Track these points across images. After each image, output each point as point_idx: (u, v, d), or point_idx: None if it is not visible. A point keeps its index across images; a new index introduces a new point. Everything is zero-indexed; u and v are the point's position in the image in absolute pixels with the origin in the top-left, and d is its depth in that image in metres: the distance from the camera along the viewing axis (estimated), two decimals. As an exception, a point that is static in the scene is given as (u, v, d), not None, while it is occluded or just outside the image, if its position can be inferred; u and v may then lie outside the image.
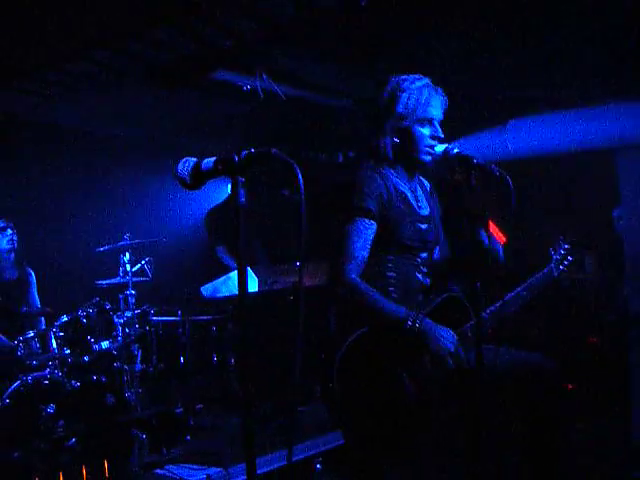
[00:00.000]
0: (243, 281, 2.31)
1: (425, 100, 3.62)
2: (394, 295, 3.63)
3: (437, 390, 3.53)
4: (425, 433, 3.52)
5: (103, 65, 6.02)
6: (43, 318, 6.83)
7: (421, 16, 5.64)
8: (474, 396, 3.40)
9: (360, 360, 3.45)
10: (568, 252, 4.13)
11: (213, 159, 2.38)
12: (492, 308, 3.75)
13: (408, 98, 3.61)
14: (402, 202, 3.66)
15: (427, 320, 3.48)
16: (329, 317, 3.69)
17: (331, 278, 3.57)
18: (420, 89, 3.63)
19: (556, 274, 4.04)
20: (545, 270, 4.04)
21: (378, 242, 3.59)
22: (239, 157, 2.31)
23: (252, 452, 2.34)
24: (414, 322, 3.45)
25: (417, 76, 3.68)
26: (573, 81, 6.70)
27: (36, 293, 7.12)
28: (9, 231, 6.84)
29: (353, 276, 3.49)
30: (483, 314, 3.67)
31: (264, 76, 6.51)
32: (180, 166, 2.45)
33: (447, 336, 3.50)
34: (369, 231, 3.56)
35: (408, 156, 3.71)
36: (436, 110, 3.67)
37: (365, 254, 3.55)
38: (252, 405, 2.41)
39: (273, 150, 2.29)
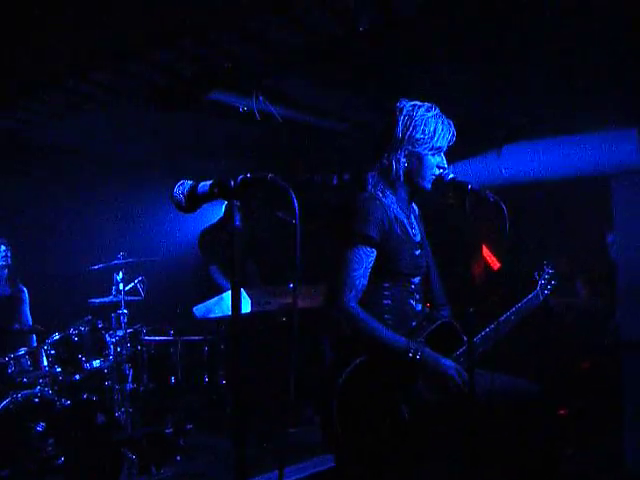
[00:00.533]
0: (237, 302, 2.31)
1: (441, 130, 3.64)
2: (389, 322, 3.62)
3: (434, 416, 3.53)
4: (423, 460, 3.53)
5: (102, 85, 6.03)
6: (34, 336, 6.82)
7: (417, 43, 5.68)
8: (469, 421, 3.41)
9: (358, 389, 3.43)
10: (552, 277, 4.22)
11: (209, 183, 2.39)
12: (483, 333, 3.78)
13: (426, 125, 3.62)
14: (400, 230, 3.65)
15: (427, 350, 3.50)
16: (322, 340, 3.70)
17: (328, 303, 3.55)
18: (436, 118, 3.65)
19: (541, 298, 4.13)
20: (531, 295, 4.12)
21: (375, 270, 3.58)
22: (235, 182, 2.32)
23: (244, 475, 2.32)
24: (415, 353, 3.46)
25: (430, 105, 3.69)
26: (567, 107, 6.74)
27: (28, 310, 7.12)
28: (2, 247, 6.85)
29: (353, 305, 3.48)
30: (475, 339, 3.68)
31: (260, 98, 6.53)
32: (176, 189, 2.45)
33: (448, 364, 3.52)
34: (370, 259, 3.54)
35: (413, 182, 3.71)
36: (446, 141, 3.69)
37: (364, 282, 3.53)
38: (245, 427, 2.40)
39: (269, 175, 2.30)
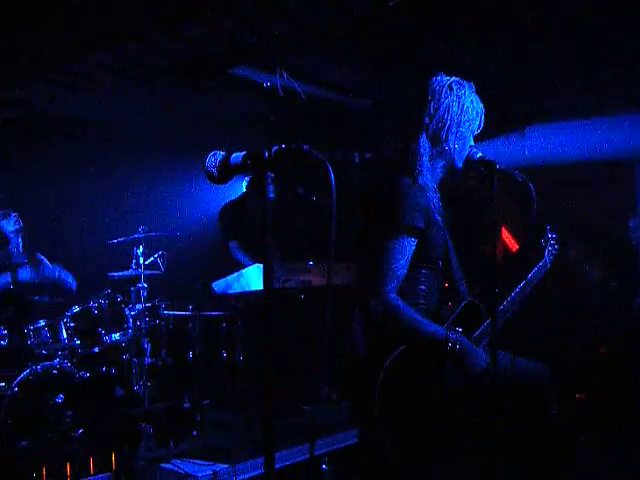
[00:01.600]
0: (268, 278, 2.28)
1: (474, 108, 3.59)
2: (423, 307, 3.59)
3: (459, 400, 3.52)
4: (462, 445, 3.54)
5: (128, 58, 6.01)
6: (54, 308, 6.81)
7: (443, 22, 5.63)
8: (491, 404, 3.40)
9: (400, 378, 3.39)
10: (555, 240, 4.20)
11: (242, 154, 2.35)
12: (500, 307, 3.76)
13: (473, 104, 3.58)
14: (438, 216, 3.60)
15: (465, 341, 3.49)
16: (349, 319, 3.66)
17: (366, 292, 3.47)
18: (469, 97, 3.57)
19: (548, 265, 4.09)
20: (540, 263, 4.08)
21: (414, 257, 3.51)
22: (269, 153, 2.28)
23: (272, 447, 2.30)
24: (454, 345, 3.43)
25: (468, 82, 3.62)
26: (594, 90, 6.69)
27: (56, 267, 7.09)
28: (12, 215, 6.85)
29: (393, 296, 3.41)
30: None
31: (284, 74, 6.50)
32: (208, 160, 2.41)
33: (480, 354, 3.51)
34: (412, 249, 3.46)
35: (451, 162, 3.66)
36: (479, 121, 3.65)
37: (405, 272, 3.45)
38: (271, 401, 2.37)
39: (305, 146, 2.27)
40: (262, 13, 5.17)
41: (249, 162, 2.31)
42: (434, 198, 3.61)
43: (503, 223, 7.54)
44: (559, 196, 7.29)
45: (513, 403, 3.64)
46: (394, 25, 5.62)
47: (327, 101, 7.38)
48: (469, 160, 3.61)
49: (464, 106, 3.54)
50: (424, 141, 3.58)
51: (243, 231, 7.71)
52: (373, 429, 3.51)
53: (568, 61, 6.37)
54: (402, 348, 3.41)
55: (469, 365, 3.48)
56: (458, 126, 3.56)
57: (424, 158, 3.58)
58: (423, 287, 3.61)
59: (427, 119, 3.56)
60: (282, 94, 6.66)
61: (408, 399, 3.41)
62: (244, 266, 7.25)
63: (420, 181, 3.53)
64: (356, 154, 8.05)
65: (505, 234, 7.80)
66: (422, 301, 3.59)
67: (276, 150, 2.29)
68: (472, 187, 6.15)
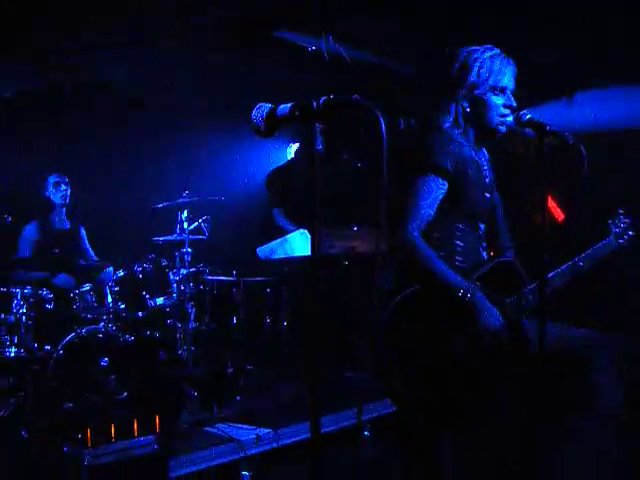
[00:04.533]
0: (317, 237, 2.23)
1: (497, 69, 3.57)
2: (460, 264, 3.58)
3: (488, 357, 3.48)
4: (476, 400, 3.47)
5: (168, 21, 5.99)
6: (112, 269, 6.82)
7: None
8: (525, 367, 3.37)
9: (408, 318, 3.40)
10: (628, 226, 4.02)
11: (289, 105, 2.31)
12: (548, 275, 3.66)
13: (480, 67, 3.56)
14: (473, 170, 3.62)
15: (479, 294, 3.44)
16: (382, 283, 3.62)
17: (391, 231, 3.50)
18: (492, 58, 3.57)
19: (615, 246, 3.94)
20: (605, 241, 3.93)
21: (448, 208, 3.54)
22: (317, 103, 2.23)
23: (317, 413, 2.26)
24: (465, 293, 3.40)
25: (488, 46, 3.62)
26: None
27: (89, 247, 7.17)
28: (63, 186, 6.92)
29: (416, 234, 3.44)
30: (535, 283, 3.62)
31: (330, 38, 6.43)
32: (255, 112, 2.37)
33: (494, 314, 3.46)
34: (440, 191, 3.50)
35: (481, 125, 3.66)
36: (509, 80, 3.61)
37: (431, 213, 3.49)
38: (315, 366, 2.34)
39: (354, 96, 2.22)
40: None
41: (297, 113, 2.26)
42: (470, 153, 3.65)
43: (550, 191, 7.40)
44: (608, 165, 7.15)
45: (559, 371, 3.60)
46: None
47: (372, 66, 7.30)
48: (518, 121, 3.55)
49: (471, 69, 3.56)
50: (447, 107, 3.65)
51: (288, 198, 7.68)
52: (383, 376, 3.48)
53: (616, 27, 6.24)
54: (412, 289, 3.41)
55: (479, 321, 3.43)
56: (470, 90, 3.58)
57: (458, 117, 3.65)
58: (460, 243, 3.60)
59: (444, 87, 3.64)
60: (327, 58, 6.59)
61: (411, 341, 3.39)
62: (288, 232, 7.23)
63: (451, 132, 3.62)
64: (400, 119, 7.97)
65: (551, 204, 7.67)
66: (459, 258, 3.58)
67: (325, 100, 2.24)
68: (520, 153, 6.05)
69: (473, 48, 3.61)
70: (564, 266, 3.76)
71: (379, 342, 3.38)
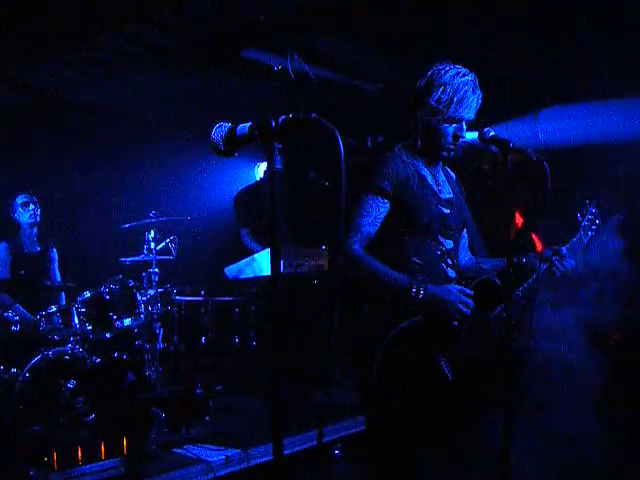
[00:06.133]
0: (276, 256, 2.22)
1: (459, 99, 3.49)
2: None
3: (475, 375, 3.50)
4: (462, 424, 3.51)
5: (137, 41, 5.98)
6: (64, 294, 6.81)
7: (458, 4, 5.58)
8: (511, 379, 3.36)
9: (401, 352, 3.38)
10: (595, 216, 4.02)
11: (248, 124, 2.30)
12: (525, 285, 3.68)
13: (442, 92, 3.49)
14: (421, 183, 3.60)
15: (430, 286, 3.42)
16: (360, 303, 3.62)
17: (334, 253, 3.55)
18: (458, 86, 3.49)
19: (585, 241, 3.90)
20: (574, 239, 3.90)
21: (399, 225, 3.55)
22: (276, 122, 2.23)
23: (279, 433, 2.24)
24: (418, 290, 3.38)
25: (460, 70, 3.54)
26: (608, 71, 6.61)
27: (57, 270, 7.11)
28: (31, 206, 6.83)
29: (356, 247, 3.46)
30: (518, 291, 3.63)
31: (295, 56, 6.45)
32: (214, 132, 2.36)
33: (450, 295, 3.43)
34: (381, 209, 3.52)
35: (429, 147, 3.65)
36: (468, 111, 3.55)
37: (372, 230, 3.51)
38: (279, 386, 2.32)
39: (312, 115, 2.21)
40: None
41: (256, 132, 2.26)
42: (420, 169, 3.66)
43: (516, 205, 7.45)
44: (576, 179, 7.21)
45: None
46: (409, 7, 5.57)
47: (338, 85, 7.32)
48: (482, 138, 3.54)
49: (463, 95, 3.50)
50: (414, 124, 3.63)
51: (256, 218, 7.67)
52: (375, 408, 3.51)
53: (582, 43, 6.30)
54: (404, 324, 3.40)
55: (442, 312, 3.42)
56: (434, 114, 3.53)
57: (417, 136, 3.64)
58: (416, 259, 3.57)
59: (428, 103, 3.54)
60: (293, 77, 6.61)
61: (409, 375, 3.39)
62: (255, 252, 7.22)
63: (402, 152, 3.64)
64: (368, 138, 7.99)
65: (518, 218, 7.72)
66: (420, 275, 3.52)
67: (283, 119, 2.23)
68: (486, 170, 6.08)
69: (445, 68, 3.54)
70: (539, 271, 3.76)
71: (375, 373, 3.37)
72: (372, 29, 6.16)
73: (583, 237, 3.92)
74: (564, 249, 3.76)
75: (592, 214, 3.99)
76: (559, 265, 3.71)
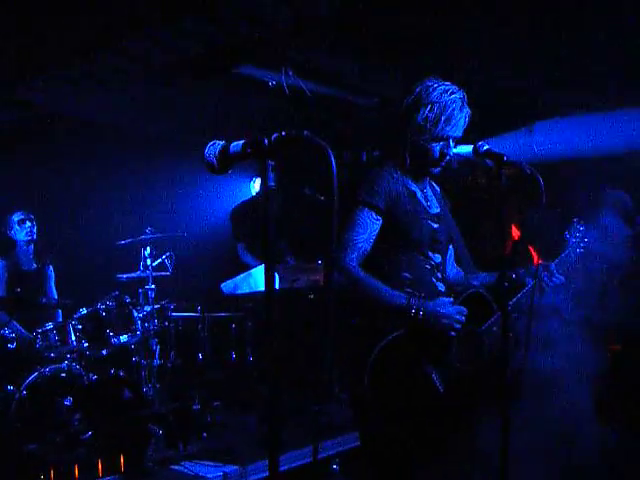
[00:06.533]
0: (270, 274, 2.22)
1: (446, 118, 3.49)
2: None
3: (466, 387, 3.49)
4: (456, 434, 3.50)
5: (131, 56, 5.99)
6: (60, 311, 6.81)
7: (452, 15, 5.59)
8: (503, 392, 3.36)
9: (391, 364, 3.39)
10: (584, 234, 4.03)
11: (242, 142, 2.31)
12: (515, 299, 3.71)
13: (430, 111, 3.49)
14: (411, 200, 3.61)
15: (427, 303, 3.43)
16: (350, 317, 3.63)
17: (328, 268, 3.54)
18: (445, 104, 3.49)
19: (574, 257, 3.93)
20: (563, 255, 3.94)
21: (389, 241, 3.56)
22: (269, 140, 2.24)
23: (276, 450, 2.24)
24: (417, 311, 3.39)
25: (448, 87, 3.53)
26: (604, 84, 6.62)
27: (54, 287, 7.10)
28: (28, 223, 6.82)
29: (354, 264, 3.46)
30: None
31: (290, 72, 6.47)
32: (207, 150, 2.37)
33: (445, 310, 3.44)
34: (375, 226, 3.53)
35: (416, 164, 3.65)
36: (455, 130, 3.55)
37: (367, 247, 3.51)
38: (277, 402, 2.32)
39: (305, 133, 2.22)
40: (263, 6, 5.15)
41: (249, 150, 2.27)
42: (409, 185, 3.66)
43: (510, 216, 7.46)
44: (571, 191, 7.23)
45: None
46: (404, 22, 5.58)
47: (334, 99, 7.34)
48: (476, 152, 3.54)
49: (450, 113, 3.50)
50: (410, 138, 3.59)
51: (252, 233, 7.68)
52: (366, 421, 3.51)
53: (576, 57, 6.32)
54: (392, 335, 3.40)
55: (438, 327, 3.42)
56: (421, 133, 3.54)
57: (406, 153, 3.63)
58: (406, 274, 3.58)
59: (415, 121, 3.53)
60: (288, 93, 6.62)
61: (399, 388, 3.40)
62: (251, 267, 7.23)
63: (393, 169, 3.63)
64: (363, 152, 8.02)
65: (515, 231, 7.73)
66: (409, 290, 3.53)
67: (276, 137, 2.24)
68: (480, 184, 6.08)
69: (433, 85, 3.53)
70: (526, 288, 3.77)
71: (365, 386, 3.37)
72: (367, 43, 6.17)
73: (571, 253, 3.95)
74: (553, 265, 3.80)
75: (580, 232, 4.04)
76: (548, 281, 3.75)
